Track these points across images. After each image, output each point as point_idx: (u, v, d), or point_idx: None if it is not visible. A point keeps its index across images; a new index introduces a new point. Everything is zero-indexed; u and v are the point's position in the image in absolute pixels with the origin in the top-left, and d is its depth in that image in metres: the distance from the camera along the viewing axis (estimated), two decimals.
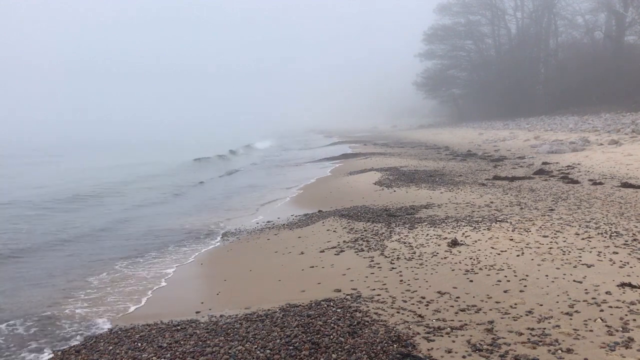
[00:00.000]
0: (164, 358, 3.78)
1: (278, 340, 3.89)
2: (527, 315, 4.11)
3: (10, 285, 6.30)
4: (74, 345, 4.34)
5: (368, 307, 4.50)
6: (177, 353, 3.83)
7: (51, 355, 4.17)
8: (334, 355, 3.60)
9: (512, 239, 6.32)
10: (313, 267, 5.97)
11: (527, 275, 5.03)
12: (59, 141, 56.82)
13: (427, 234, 6.89)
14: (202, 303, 5.15)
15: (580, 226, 6.93)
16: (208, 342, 3.99)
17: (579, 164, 15.02)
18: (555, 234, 6.54)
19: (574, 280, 4.81)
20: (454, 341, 3.73)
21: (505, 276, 5.05)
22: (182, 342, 4.03)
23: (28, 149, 41.05)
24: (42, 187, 16.29)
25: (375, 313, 4.34)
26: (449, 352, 3.57)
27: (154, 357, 3.81)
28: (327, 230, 7.75)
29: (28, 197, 13.86)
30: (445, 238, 6.57)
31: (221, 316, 4.64)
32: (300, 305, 4.70)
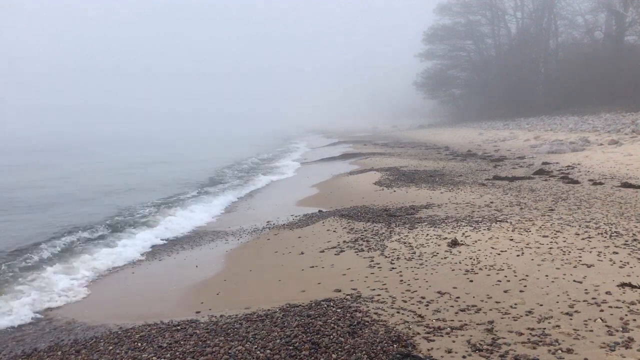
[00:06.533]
0: (164, 358, 3.79)
1: (278, 340, 3.89)
2: (527, 315, 4.12)
3: None
4: (76, 342, 4.34)
5: (368, 307, 4.50)
6: (177, 353, 3.83)
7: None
8: (334, 355, 3.60)
9: (512, 239, 6.32)
10: (313, 267, 5.97)
11: (527, 275, 5.03)
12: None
13: (427, 234, 6.89)
14: (202, 303, 5.15)
15: (580, 226, 6.93)
16: (208, 342, 3.99)
17: (579, 164, 15.02)
18: (555, 234, 6.54)
19: (574, 280, 4.81)
20: (454, 341, 3.73)
21: (505, 276, 5.05)
22: (182, 342, 4.04)
23: None
24: None
25: (375, 313, 4.34)
26: (449, 352, 3.57)
27: (154, 357, 3.81)
28: (327, 230, 7.75)
29: None
30: (445, 238, 6.57)
31: (221, 316, 4.64)
32: (300, 305, 4.70)
